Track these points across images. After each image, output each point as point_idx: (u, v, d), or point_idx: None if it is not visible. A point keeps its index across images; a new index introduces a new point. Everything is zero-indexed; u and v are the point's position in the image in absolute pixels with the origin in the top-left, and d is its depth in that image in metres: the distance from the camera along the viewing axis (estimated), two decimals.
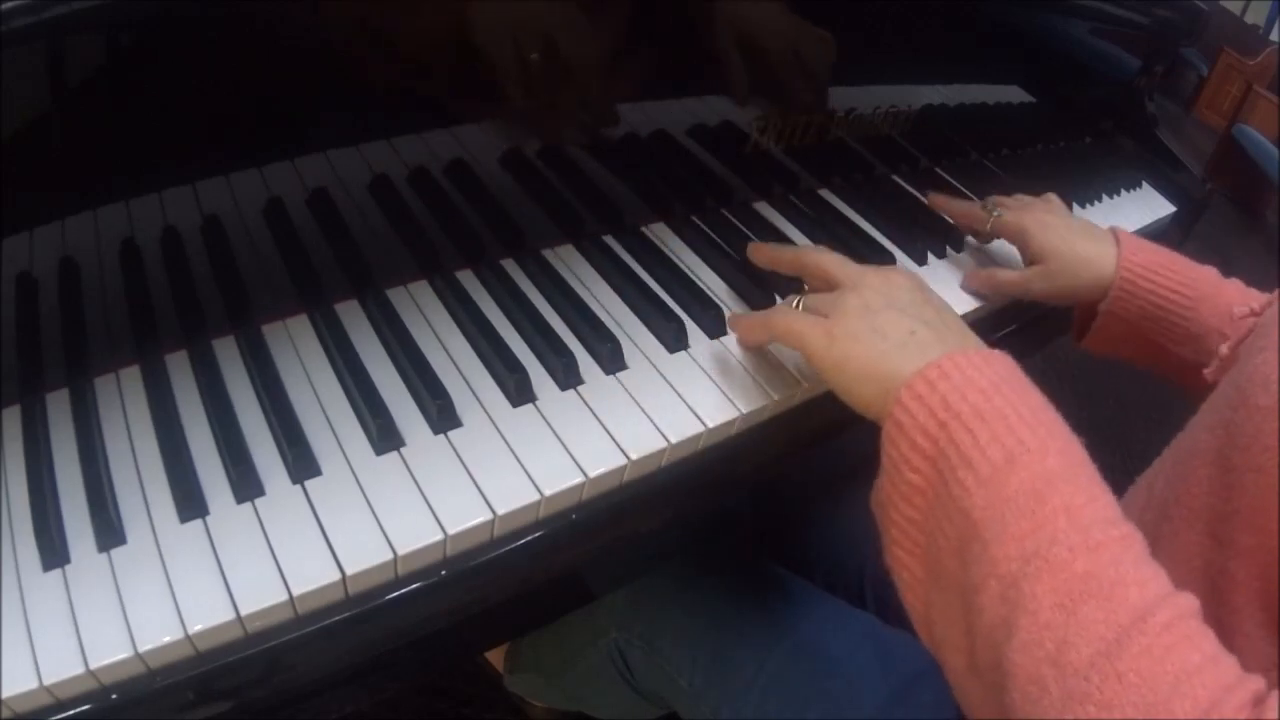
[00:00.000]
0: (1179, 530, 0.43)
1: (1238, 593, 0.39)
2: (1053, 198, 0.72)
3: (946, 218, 0.73)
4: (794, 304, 0.50)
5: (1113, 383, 1.92)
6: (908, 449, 0.39)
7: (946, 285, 0.68)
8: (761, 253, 0.57)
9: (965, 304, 0.67)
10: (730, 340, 0.55)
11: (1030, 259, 0.66)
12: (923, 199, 0.79)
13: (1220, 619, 0.39)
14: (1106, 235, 0.66)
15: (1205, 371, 0.55)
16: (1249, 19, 3.95)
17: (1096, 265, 0.64)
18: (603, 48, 0.55)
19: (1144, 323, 0.64)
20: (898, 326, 0.44)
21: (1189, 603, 0.33)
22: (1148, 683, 0.30)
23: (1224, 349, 0.52)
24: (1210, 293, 0.62)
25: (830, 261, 0.50)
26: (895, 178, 0.81)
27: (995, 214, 0.68)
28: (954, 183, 0.84)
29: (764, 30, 0.62)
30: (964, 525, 0.36)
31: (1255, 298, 0.61)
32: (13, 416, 0.42)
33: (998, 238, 0.70)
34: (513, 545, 0.43)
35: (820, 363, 0.45)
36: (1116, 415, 1.81)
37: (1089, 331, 0.67)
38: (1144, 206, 0.99)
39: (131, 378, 0.45)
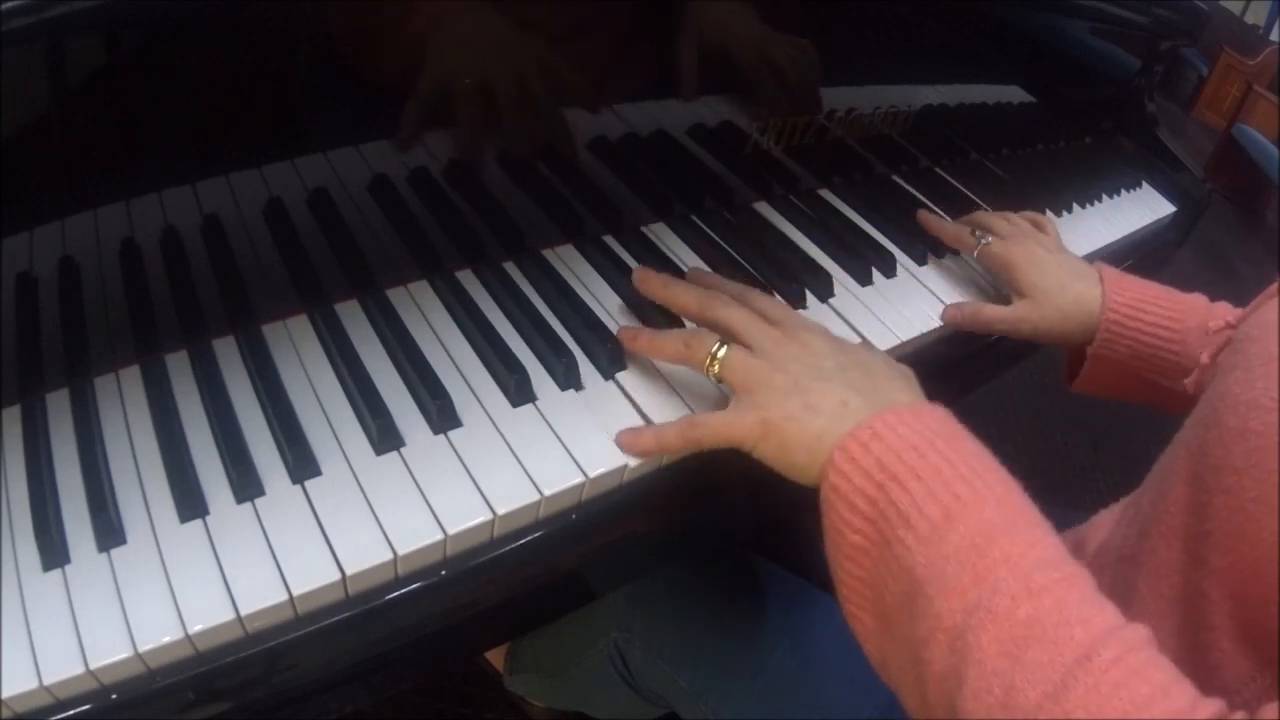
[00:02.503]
0: (1158, 548, 0.43)
1: (1213, 611, 0.39)
2: (1046, 224, 0.71)
3: (935, 236, 0.71)
4: (709, 368, 0.46)
5: None
6: (847, 512, 0.39)
7: (946, 286, 0.68)
8: (650, 284, 0.52)
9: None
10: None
11: (1018, 293, 0.64)
12: (923, 199, 0.79)
13: (1197, 635, 0.40)
14: (1092, 273, 0.64)
15: (1186, 381, 0.54)
16: (1249, 19, 3.95)
17: (1084, 305, 0.62)
18: (591, 57, 0.55)
19: (1134, 361, 0.62)
20: (829, 398, 0.43)
21: (1137, 634, 0.33)
22: None
23: (1204, 357, 0.51)
24: (1198, 323, 0.60)
25: (738, 320, 0.47)
26: (895, 178, 0.81)
27: (983, 242, 0.66)
28: (954, 182, 0.84)
29: (741, 36, 0.61)
30: (908, 582, 0.36)
31: (1237, 313, 0.61)
32: (13, 416, 0.42)
33: (983, 264, 0.68)
34: (513, 545, 0.43)
35: (755, 451, 0.44)
36: (1118, 417, 1.81)
37: (1080, 375, 0.66)
38: (1144, 206, 0.99)
39: (131, 378, 0.45)
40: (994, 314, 0.63)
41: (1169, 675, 0.32)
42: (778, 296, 0.60)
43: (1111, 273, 0.64)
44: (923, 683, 0.36)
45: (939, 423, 0.40)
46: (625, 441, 0.46)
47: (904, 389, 0.45)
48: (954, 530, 0.36)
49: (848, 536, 0.39)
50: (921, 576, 0.36)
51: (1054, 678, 0.31)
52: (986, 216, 0.70)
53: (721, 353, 0.46)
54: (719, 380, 0.46)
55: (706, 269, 0.60)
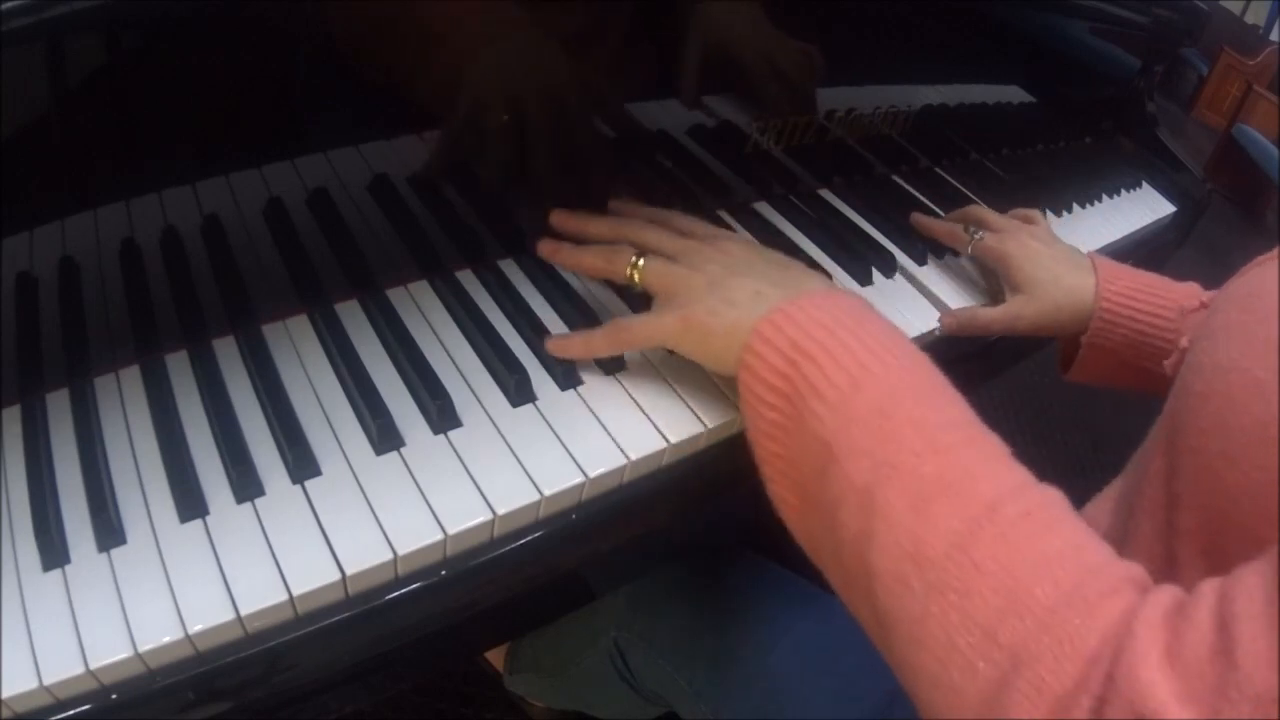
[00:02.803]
0: (1140, 523, 0.43)
1: (1187, 576, 0.39)
2: (1037, 216, 0.71)
3: (929, 236, 0.71)
4: (630, 277, 0.49)
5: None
6: (763, 390, 0.41)
7: (946, 286, 0.68)
8: (567, 223, 0.54)
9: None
10: None
11: (1012, 286, 0.64)
12: (923, 199, 0.79)
13: None
14: (1086, 263, 0.64)
15: (1165, 363, 0.55)
16: (1249, 19, 3.95)
17: (1078, 296, 0.63)
18: (590, 58, 0.55)
19: (1127, 350, 0.63)
20: (743, 289, 0.45)
21: (1048, 494, 0.34)
22: (1005, 569, 0.31)
23: (1183, 341, 0.51)
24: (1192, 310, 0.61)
25: (654, 237, 0.50)
26: (895, 178, 0.81)
27: (977, 237, 0.66)
28: (954, 182, 0.84)
29: (745, 37, 0.61)
30: (820, 451, 0.38)
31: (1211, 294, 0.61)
32: (13, 416, 0.42)
33: (978, 259, 0.67)
34: (513, 545, 0.43)
35: (678, 346, 0.47)
36: (1118, 418, 1.81)
37: (1074, 364, 0.66)
38: (1144, 206, 0.99)
39: (131, 378, 0.45)
40: (989, 315, 0.64)
41: (1082, 532, 0.32)
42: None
43: (1104, 262, 0.64)
44: (838, 546, 0.37)
45: (849, 305, 0.42)
46: (554, 347, 0.49)
47: (820, 283, 0.47)
48: (861, 396, 0.38)
49: (764, 414, 0.41)
50: (831, 441, 0.37)
51: (960, 528, 0.32)
52: (978, 211, 0.70)
53: (641, 263, 0.48)
54: (642, 287, 0.49)
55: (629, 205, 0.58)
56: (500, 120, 0.50)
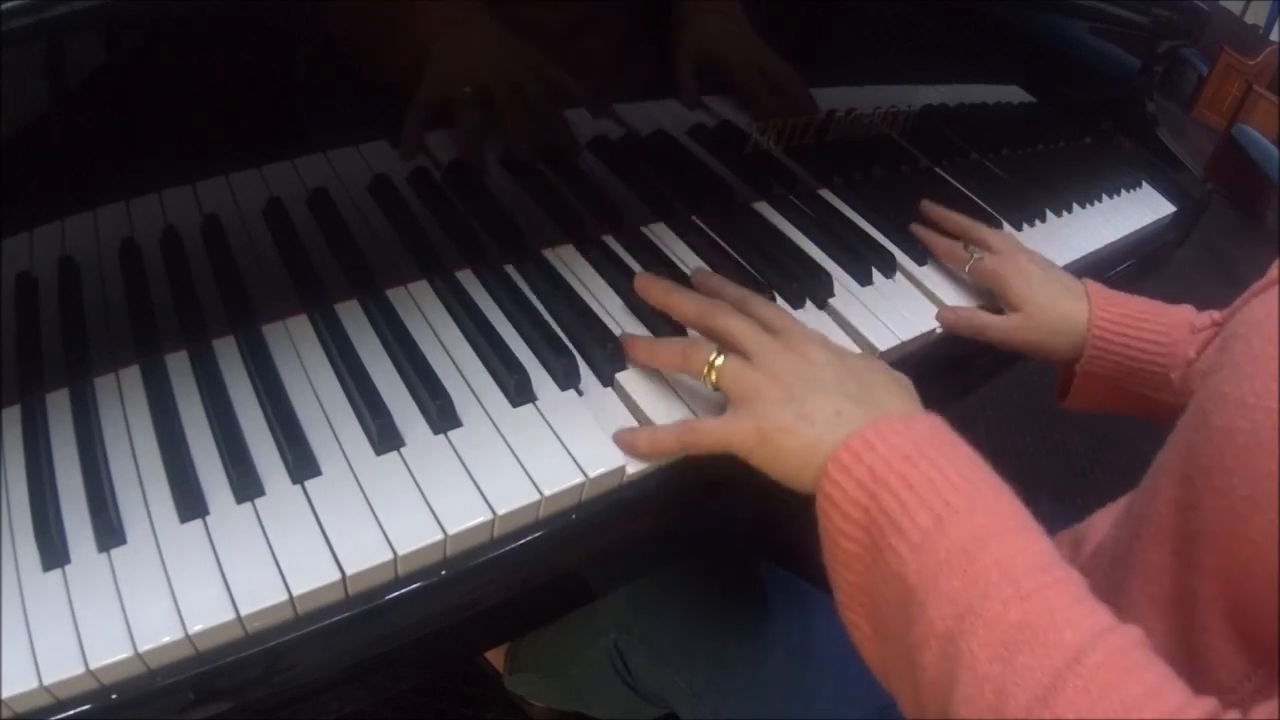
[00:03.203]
0: (1148, 549, 0.43)
1: (1205, 611, 0.39)
2: (1028, 248, 0.70)
3: (929, 249, 0.71)
4: (706, 377, 0.47)
5: None
6: (841, 520, 0.39)
7: (946, 286, 0.68)
8: (652, 291, 0.53)
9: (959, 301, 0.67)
10: None
11: (1008, 306, 0.65)
12: (923, 199, 0.79)
13: (1190, 636, 0.39)
14: (1080, 289, 0.64)
15: (1172, 376, 0.54)
16: (1249, 19, 3.95)
17: (1072, 322, 0.63)
18: (591, 58, 0.55)
19: (1121, 377, 0.63)
20: (823, 408, 0.43)
21: (1128, 636, 0.33)
22: None
23: (1190, 352, 0.51)
24: (1185, 335, 0.61)
25: (737, 329, 0.48)
26: (895, 178, 0.81)
27: (976, 257, 0.67)
28: (954, 182, 0.84)
29: (736, 41, 0.61)
30: (901, 589, 0.37)
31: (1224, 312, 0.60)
32: (13, 416, 0.42)
33: (976, 278, 0.68)
34: (513, 545, 0.43)
35: (751, 459, 0.44)
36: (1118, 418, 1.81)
37: (1069, 392, 0.66)
38: (1144, 206, 0.99)
39: (131, 378, 0.45)
40: (988, 321, 0.64)
41: (1160, 675, 0.32)
42: (781, 301, 0.60)
43: (1098, 289, 0.64)
44: (918, 688, 0.36)
45: (931, 431, 0.41)
46: (622, 442, 0.46)
47: (900, 398, 0.45)
48: (945, 536, 0.36)
49: (842, 544, 0.39)
50: (914, 583, 0.36)
51: (1044, 680, 0.31)
52: (979, 230, 0.70)
53: (719, 361, 0.46)
54: (716, 388, 0.47)
55: (706, 268, 0.60)
56: (464, 93, 0.49)
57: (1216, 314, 0.50)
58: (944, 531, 0.36)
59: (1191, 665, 0.39)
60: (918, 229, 0.72)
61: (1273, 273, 0.45)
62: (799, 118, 0.68)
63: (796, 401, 0.44)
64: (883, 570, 0.38)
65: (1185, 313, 0.63)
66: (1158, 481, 0.43)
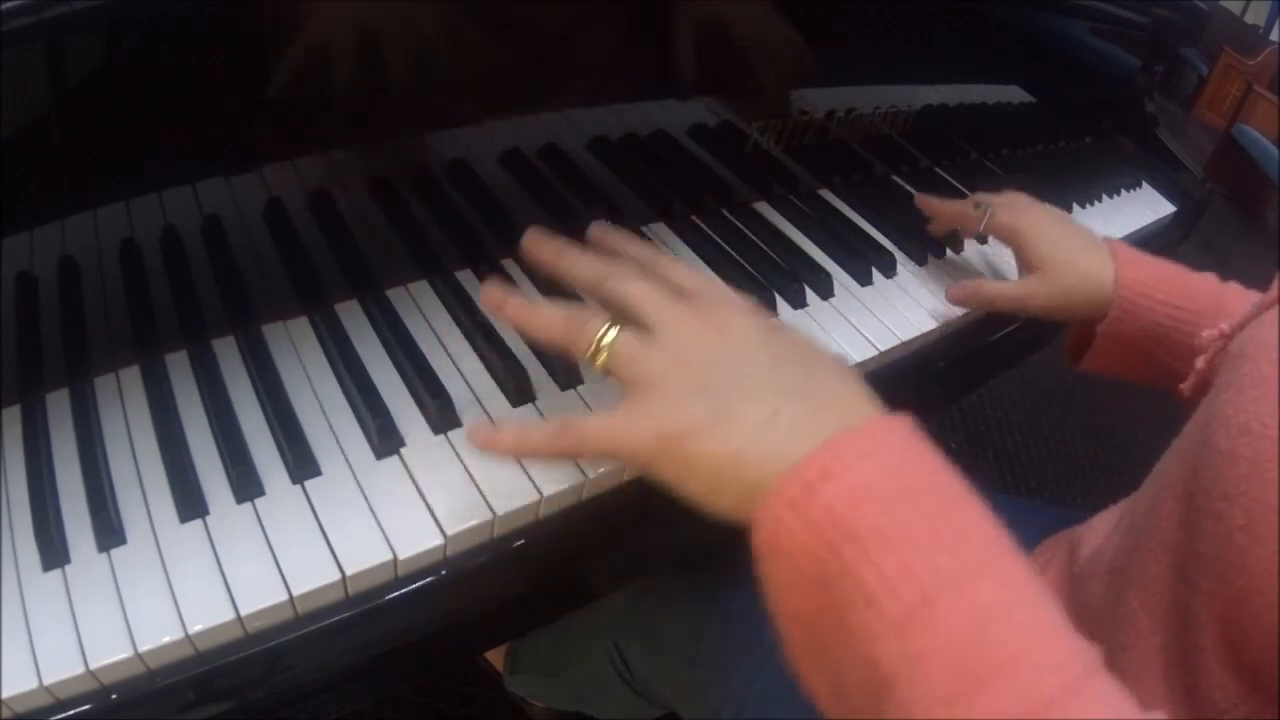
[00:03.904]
0: (1147, 562, 0.41)
1: (1203, 632, 0.37)
2: (1047, 205, 0.69)
3: (935, 218, 0.69)
4: (594, 358, 0.36)
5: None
6: (789, 572, 0.30)
7: (947, 286, 0.68)
8: (541, 251, 0.41)
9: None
10: None
11: (1027, 265, 0.62)
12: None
13: (1186, 655, 0.39)
14: (1103, 247, 0.61)
15: (1181, 387, 0.52)
16: (1249, 19, 3.95)
17: (1095, 281, 0.59)
18: (590, 57, 0.54)
19: (1144, 341, 0.59)
20: (751, 405, 0.33)
21: None
22: None
23: (1200, 362, 0.49)
24: (1210, 305, 0.59)
25: (639, 294, 0.37)
26: (895, 178, 0.81)
27: (989, 213, 0.63)
28: (954, 183, 0.84)
29: (732, 28, 0.59)
30: (873, 675, 0.28)
31: (1240, 308, 0.58)
32: (13, 416, 0.42)
33: (991, 236, 0.65)
34: (513, 545, 0.43)
35: (653, 472, 0.34)
36: (1119, 418, 1.81)
37: (1085, 353, 0.63)
38: (1144, 206, 0.99)
39: (131, 378, 0.45)
40: (999, 290, 0.61)
41: None
42: (781, 301, 0.60)
43: (1123, 248, 0.61)
44: None
45: (905, 452, 0.31)
46: (479, 439, 0.38)
47: (853, 393, 0.35)
48: (936, 619, 0.27)
49: (791, 601, 0.31)
50: (892, 674, 0.28)
51: None
52: (984, 194, 0.67)
53: (609, 337, 0.36)
54: (606, 374, 0.36)
55: (608, 224, 0.46)
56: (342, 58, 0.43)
57: (1226, 325, 0.48)
58: (935, 611, 0.28)
59: (1186, 683, 0.38)
60: (922, 197, 0.69)
61: (1274, 291, 0.43)
62: (801, 114, 0.68)
63: (712, 393, 0.33)
64: (847, 645, 0.29)
65: (1209, 282, 0.60)
66: (1160, 493, 0.42)
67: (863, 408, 0.34)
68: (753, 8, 0.60)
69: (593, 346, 0.36)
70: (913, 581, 0.28)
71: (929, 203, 0.69)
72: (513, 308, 0.39)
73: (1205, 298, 0.59)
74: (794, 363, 0.35)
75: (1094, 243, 0.62)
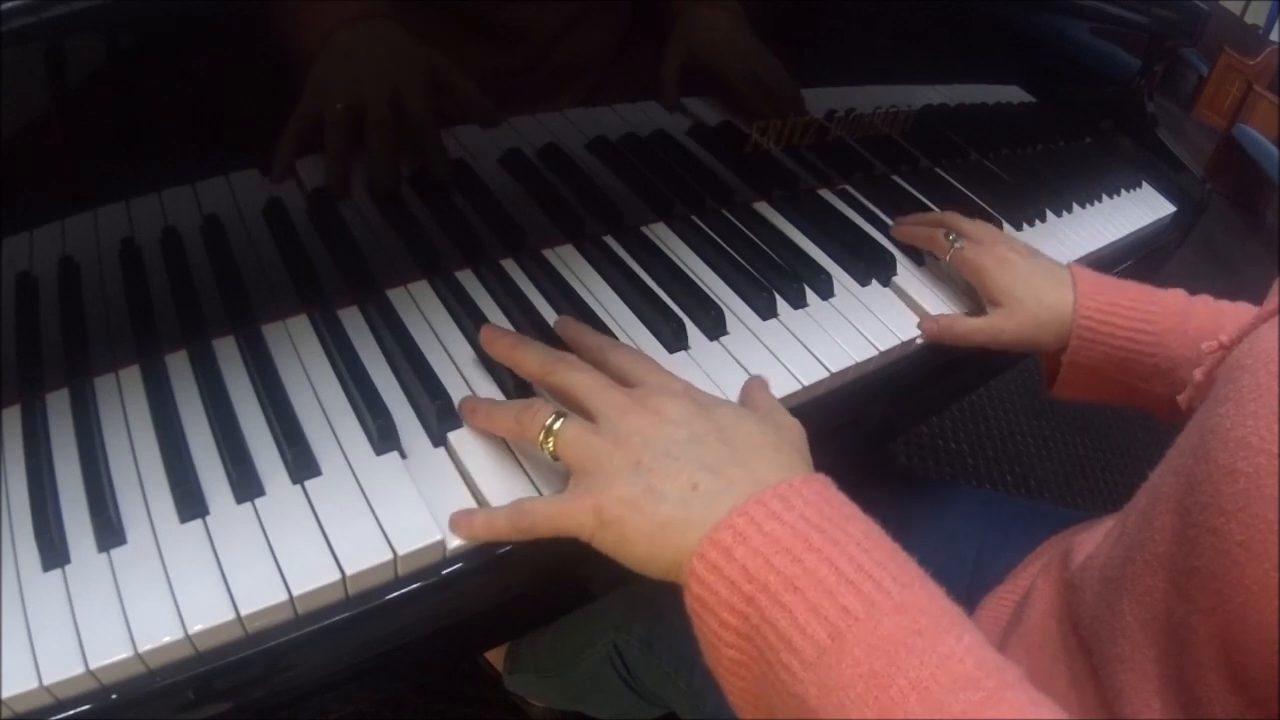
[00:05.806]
0: (1141, 574, 0.41)
1: (1200, 647, 0.37)
2: (1011, 236, 0.69)
3: (908, 242, 0.70)
4: (543, 445, 0.41)
5: None
6: (718, 627, 0.34)
7: (946, 286, 0.68)
8: (497, 345, 0.46)
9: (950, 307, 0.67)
10: (733, 343, 0.55)
11: (990, 301, 0.62)
12: (923, 199, 0.79)
13: (1184, 669, 0.38)
14: (1065, 277, 0.62)
15: (1180, 398, 0.52)
16: (1249, 19, 3.95)
17: (1058, 312, 0.60)
18: (589, 57, 0.54)
19: (1108, 366, 0.60)
20: (676, 481, 0.37)
21: None
22: None
23: (1198, 374, 0.48)
24: (1175, 323, 0.59)
25: (582, 385, 0.41)
26: (895, 178, 0.81)
27: (957, 246, 0.65)
28: (954, 182, 0.85)
29: (730, 42, 0.59)
30: (800, 710, 0.32)
31: (1224, 323, 0.58)
32: (13, 416, 0.42)
33: (955, 269, 0.66)
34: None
35: (596, 544, 0.39)
36: (1119, 417, 1.81)
37: (1056, 382, 0.64)
38: (1144, 206, 0.99)
39: (131, 378, 0.45)
40: (970, 325, 0.62)
41: None
42: (781, 301, 0.60)
43: (1084, 274, 0.62)
44: None
45: (813, 508, 0.35)
46: (459, 525, 0.41)
47: (776, 458, 0.39)
48: (846, 654, 0.31)
49: (724, 651, 0.34)
50: (816, 707, 0.31)
51: None
52: (957, 219, 0.68)
53: (557, 425, 0.40)
54: (555, 459, 0.41)
55: (573, 318, 0.51)
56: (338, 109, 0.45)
57: (1224, 335, 0.47)
58: (844, 648, 0.31)
59: (1185, 698, 0.38)
60: (897, 229, 0.70)
61: (1273, 301, 0.42)
62: (794, 119, 0.68)
63: (644, 471, 0.38)
64: (775, 687, 0.33)
65: (1175, 299, 0.61)
66: (1154, 505, 0.41)
67: (778, 472, 0.38)
68: (743, 43, 0.60)
69: (542, 434, 0.40)
70: (822, 622, 0.32)
71: (903, 230, 0.70)
72: (479, 417, 0.44)
73: (1170, 317, 0.59)
74: (719, 437, 0.39)
75: (1057, 274, 0.62)
